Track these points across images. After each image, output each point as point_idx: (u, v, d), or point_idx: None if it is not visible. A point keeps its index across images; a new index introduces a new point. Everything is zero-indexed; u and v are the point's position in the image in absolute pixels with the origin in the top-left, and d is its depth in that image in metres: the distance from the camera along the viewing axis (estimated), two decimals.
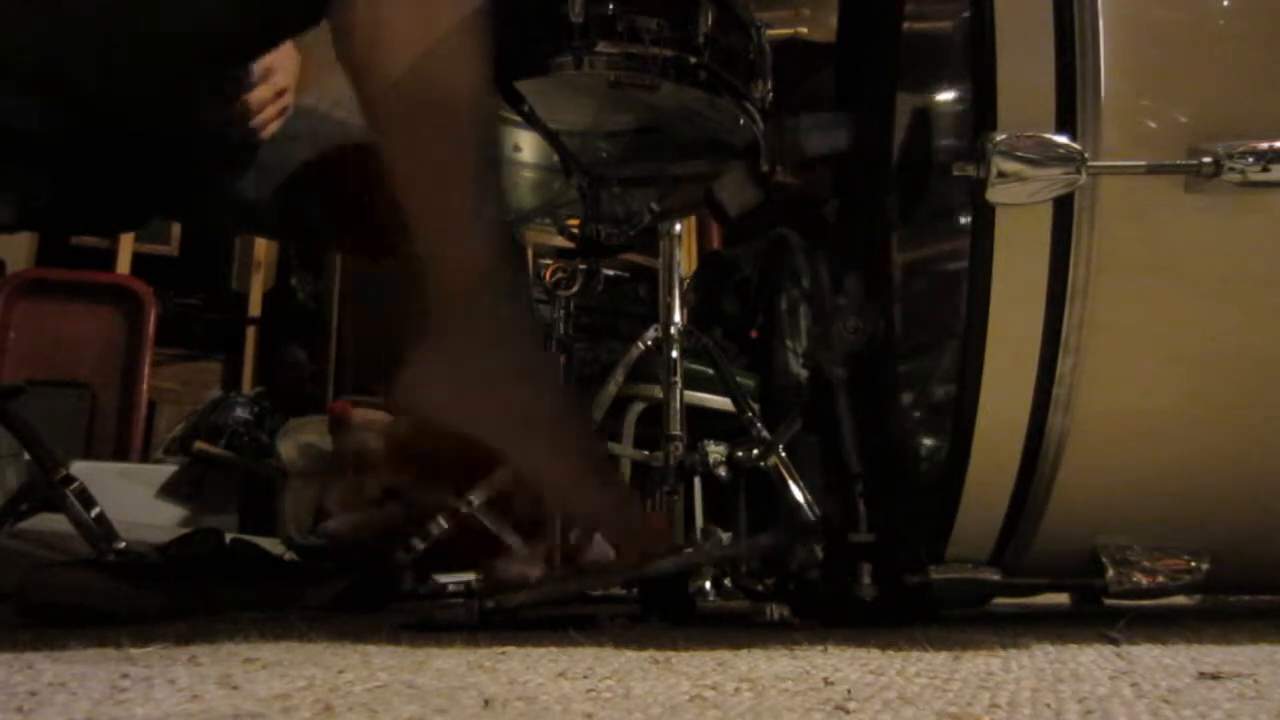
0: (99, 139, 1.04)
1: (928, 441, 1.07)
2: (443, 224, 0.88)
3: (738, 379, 1.71)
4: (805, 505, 1.27)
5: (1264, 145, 0.76)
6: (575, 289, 1.24)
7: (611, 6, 1.04)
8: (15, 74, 0.91)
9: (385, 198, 0.88)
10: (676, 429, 1.40)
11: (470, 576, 1.26)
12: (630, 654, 0.67)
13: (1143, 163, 0.77)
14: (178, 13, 0.91)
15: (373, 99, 0.88)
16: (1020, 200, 0.77)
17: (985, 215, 0.78)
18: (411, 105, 0.87)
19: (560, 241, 1.29)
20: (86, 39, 0.90)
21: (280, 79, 1.19)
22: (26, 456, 1.67)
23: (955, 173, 0.78)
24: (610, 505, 0.90)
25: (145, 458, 2.95)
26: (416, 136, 0.87)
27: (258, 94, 1.17)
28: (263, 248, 3.51)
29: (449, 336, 0.87)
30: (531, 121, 1.13)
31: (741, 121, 1.13)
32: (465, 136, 0.89)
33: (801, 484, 1.37)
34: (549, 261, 1.26)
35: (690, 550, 1.07)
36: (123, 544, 1.43)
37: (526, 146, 1.28)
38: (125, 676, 0.53)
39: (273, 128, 1.20)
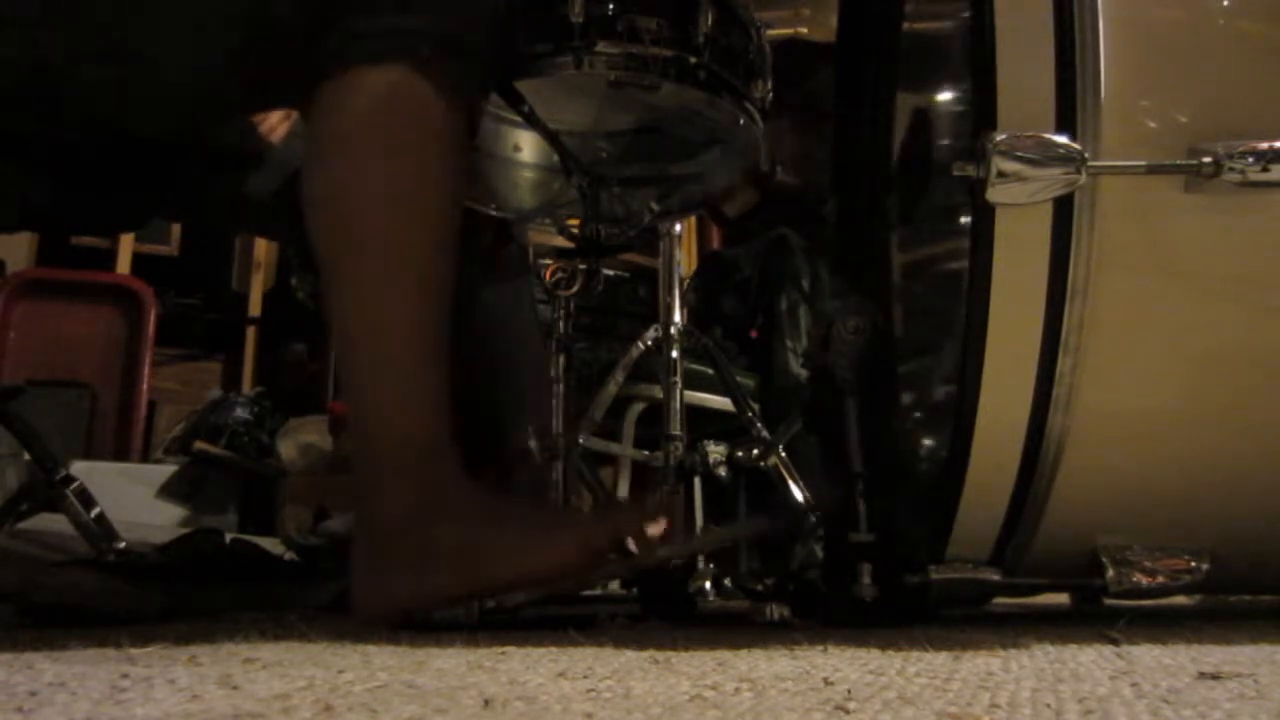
0: (100, 140, 1.04)
1: (928, 441, 1.07)
2: (376, 393, 0.84)
3: (738, 379, 1.71)
4: (805, 505, 1.27)
5: (1264, 145, 0.76)
6: (575, 289, 1.24)
7: (611, 6, 1.04)
8: (18, 74, 0.91)
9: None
10: (676, 429, 1.40)
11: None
12: (630, 654, 0.67)
13: (1143, 163, 0.77)
14: (182, 53, 0.90)
15: (325, 228, 0.84)
16: (1020, 200, 0.77)
17: (985, 215, 0.78)
18: (366, 245, 0.83)
19: (560, 241, 1.28)
20: (91, 42, 0.90)
21: None
22: (26, 456, 1.67)
23: (955, 173, 0.78)
24: (596, 547, 0.87)
25: (145, 458, 2.95)
26: (367, 285, 0.83)
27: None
28: (263, 248, 3.50)
29: (371, 514, 0.83)
30: (531, 121, 1.13)
31: (741, 121, 1.13)
32: (425, 295, 0.84)
33: (801, 484, 1.37)
34: (549, 261, 1.26)
35: (685, 541, 1.07)
36: (123, 544, 1.43)
37: (526, 146, 1.28)
38: (125, 676, 0.53)
39: (281, 131, 1.20)
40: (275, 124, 1.19)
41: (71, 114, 0.97)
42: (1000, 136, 0.76)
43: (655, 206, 1.30)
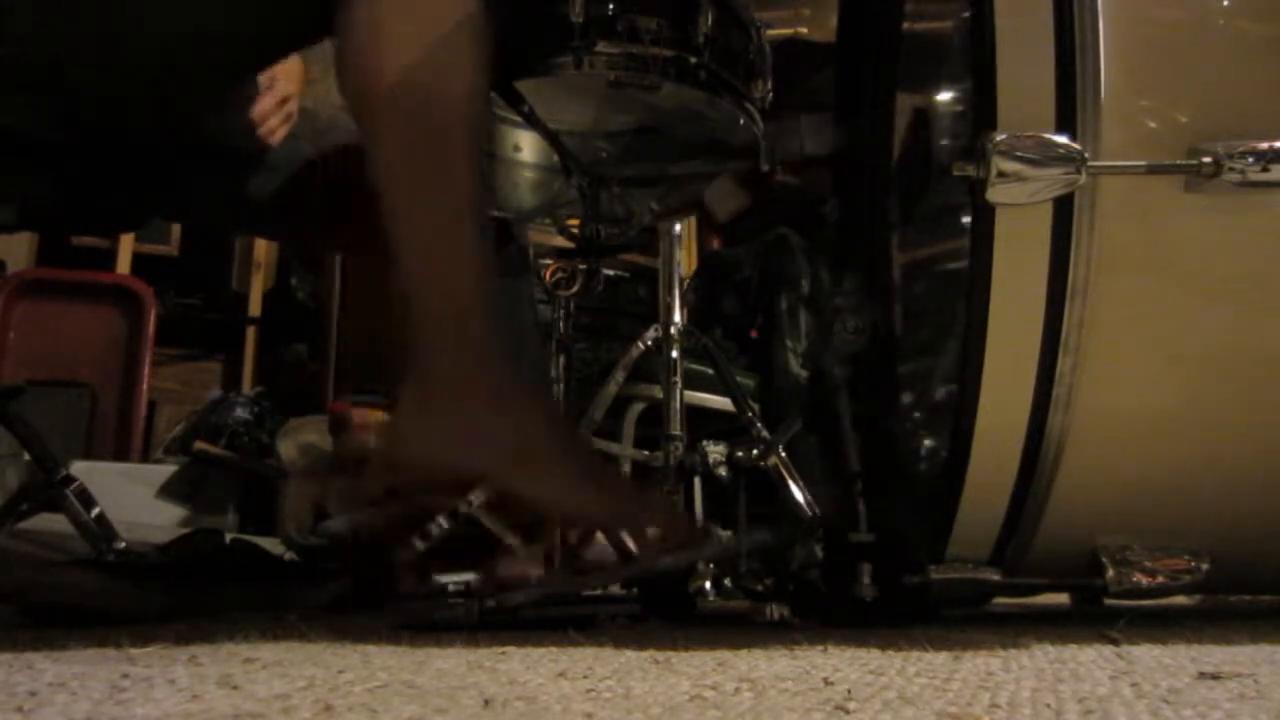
0: (100, 140, 1.04)
1: (928, 441, 1.07)
2: (431, 249, 0.87)
3: (738, 379, 1.71)
4: (805, 505, 1.27)
5: (1264, 145, 0.76)
6: (575, 289, 1.24)
7: (611, 6, 1.04)
8: (19, 74, 0.91)
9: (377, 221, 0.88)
10: (676, 429, 1.40)
11: (470, 576, 1.25)
12: (630, 654, 0.67)
13: (1143, 163, 0.77)
14: (182, 18, 0.91)
15: (368, 118, 0.87)
16: (1020, 200, 0.77)
17: (985, 215, 0.78)
18: (406, 127, 0.86)
19: (560, 241, 1.29)
20: (92, 42, 0.90)
21: (284, 86, 1.19)
22: (26, 456, 1.67)
23: (955, 173, 0.78)
24: (616, 509, 0.89)
25: (145, 458, 2.95)
26: (409, 160, 0.86)
27: (262, 104, 1.17)
28: (263, 248, 3.50)
29: (436, 370, 0.86)
30: (531, 121, 1.13)
31: (741, 121, 1.13)
32: (459, 162, 0.87)
33: (801, 484, 1.37)
34: (549, 261, 1.26)
35: (689, 550, 1.07)
36: (123, 544, 1.43)
37: (526, 146, 1.28)
38: (125, 676, 0.53)
39: (280, 133, 1.21)
40: (275, 126, 1.20)
41: (71, 110, 0.97)
42: (1000, 136, 0.76)
43: (655, 206, 1.30)
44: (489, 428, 0.85)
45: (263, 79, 1.16)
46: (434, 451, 0.86)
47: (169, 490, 2.59)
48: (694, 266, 2.66)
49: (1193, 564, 0.85)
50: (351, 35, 0.87)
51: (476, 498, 0.96)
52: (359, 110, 0.88)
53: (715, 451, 1.41)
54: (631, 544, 0.87)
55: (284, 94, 1.19)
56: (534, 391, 0.89)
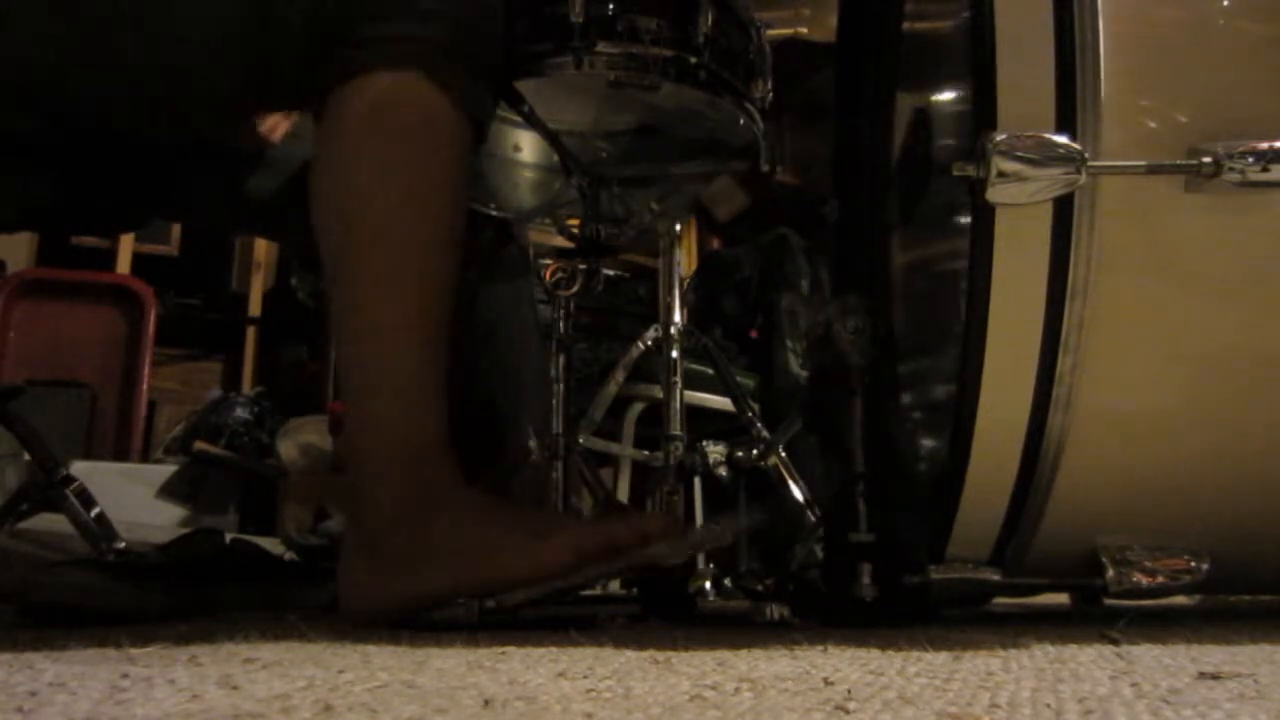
0: (100, 140, 1.04)
1: (928, 441, 1.07)
2: (375, 391, 0.84)
3: (738, 379, 1.71)
4: (805, 505, 1.27)
5: (1264, 145, 0.76)
6: (575, 289, 1.24)
7: (611, 6, 1.04)
8: (18, 74, 0.91)
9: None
10: (676, 429, 1.40)
11: None
12: (630, 654, 0.67)
13: (1143, 163, 0.77)
14: (177, 20, 0.90)
15: (329, 221, 0.86)
16: (1020, 200, 0.77)
17: (985, 215, 0.78)
18: (370, 245, 0.84)
19: (560, 241, 1.29)
20: (91, 43, 0.90)
21: None
22: (26, 456, 1.67)
23: (955, 173, 0.78)
24: (592, 549, 0.87)
25: (145, 458, 2.96)
26: (359, 285, 0.84)
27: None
28: (263, 248, 3.51)
29: (365, 515, 0.84)
30: (531, 121, 1.13)
31: (741, 121, 1.13)
32: (427, 298, 0.84)
33: (801, 484, 1.37)
34: (549, 261, 1.26)
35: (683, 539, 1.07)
36: (123, 544, 1.43)
37: (526, 146, 1.28)
38: (125, 676, 0.53)
39: (281, 130, 1.20)
40: (275, 124, 1.19)
41: (72, 113, 0.97)
42: (1000, 136, 0.76)
43: (655, 206, 1.30)
44: (421, 564, 0.82)
45: None
46: (377, 600, 0.84)
47: (169, 490, 2.60)
48: (694, 266, 2.66)
49: (1193, 564, 0.85)
50: (324, 149, 0.85)
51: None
52: (322, 206, 0.86)
53: (715, 451, 1.42)
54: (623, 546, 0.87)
55: None
56: (467, 495, 0.86)
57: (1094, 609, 1.26)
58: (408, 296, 0.84)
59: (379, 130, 0.84)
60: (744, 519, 1.18)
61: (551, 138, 1.17)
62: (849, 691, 0.52)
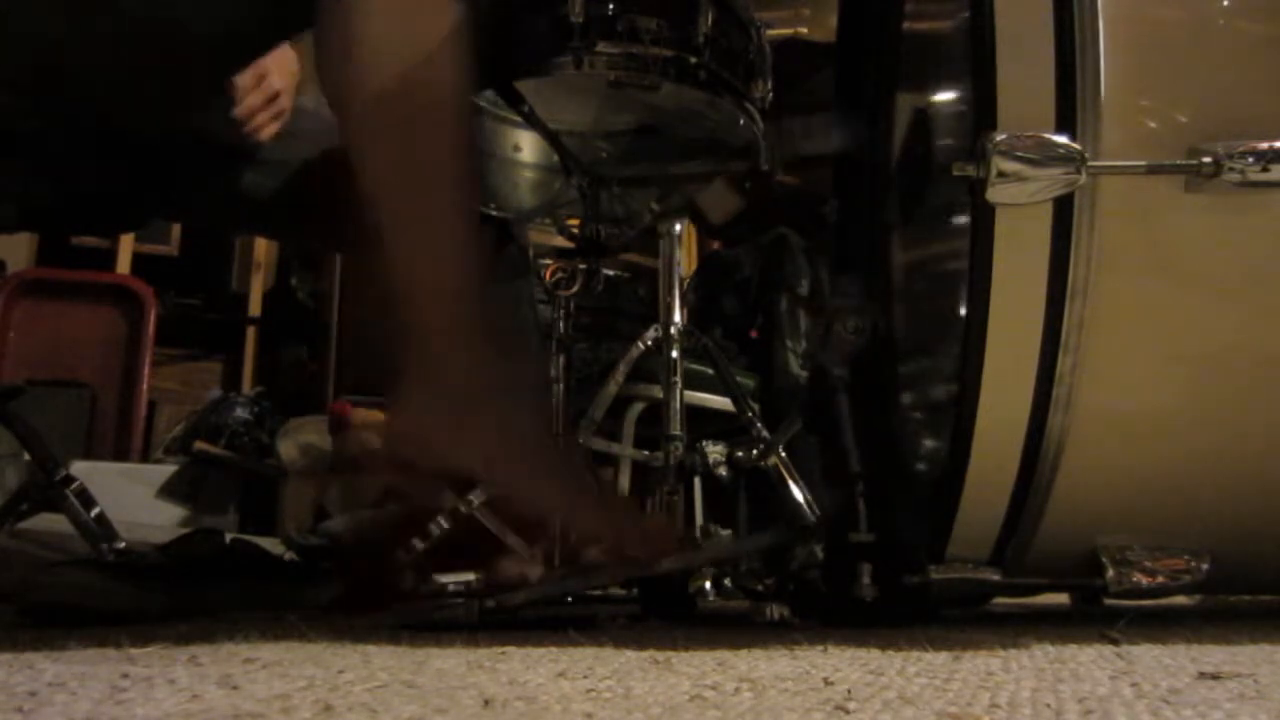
0: (99, 139, 1.04)
1: (928, 441, 1.07)
2: (420, 249, 0.86)
3: (738, 379, 1.71)
4: (805, 505, 1.27)
5: (1264, 145, 0.76)
6: (575, 289, 1.24)
7: (611, 6, 1.04)
8: (16, 73, 0.91)
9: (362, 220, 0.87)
10: (676, 429, 1.40)
11: (471, 576, 1.26)
12: (630, 654, 0.67)
13: (1143, 163, 0.77)
14: (171, 7, 0.91)
15: (349, 114, 0.87)
16: (1020, 200, 0.77)
17: (985, 215, 0.78)
18: (389, 122, 0.85)
19: (560, 241, 1.29)
20: (87, 36, 0.90)
21: (274, 82, 1.18)
22: (26, 456, 1.67)
23: (955, 173, 0.78)
24: (605, 519, 0.89)
25: (145, 458, 2.95)
26: (394, 155, 0.86)
27: (250, 101, 1.17)
28: (263, 248, 3.50)
29: (428, 370, 0.85)
30: (531, 121, 1.13)
31: (741, 121, 1.13)
32: (446, 156, 0.87)
33: (801, 484, 1.37)
34: (549, 261, 1.26)
35: (690, 553, 1.07)
36: (123, 544, 1.43)
37: (526, 146, 1.28)
38: (125, 676, 0.53)
39: (270, 130, 1.20)
40: (263, 123, 1.19)
41: (70, 110, 0.97)
42: (1000, 136, 0.76)
43: (655, 206, 1.30)
44: (481, 426, 0.84)
45: (250, 75, 1.15)
46: (429, 449, 0.86)
47: (169, 490, 2.60)
48: (694, 266, 2.66)
49: (1193, 564, 0.85)
50: (331, 27, 0.86)
51: (476, 497, 0.96)
52: (340, 103, 0.88)
53: (715, 451, 1.41)
54: (625, 547, 0.87)
55: (273, 90, 1.19)
56: (525, 391, 0.89)
57: (1094, 609, 1.26)
58: (440, 162, 0.86)
59: (381, 23, 0.85)
60: (761, 539, 1.18)
61: (551, 138, 1.17)
62: (849, 691, 0.52)
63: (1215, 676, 0.59)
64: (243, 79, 1.15)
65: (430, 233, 0.86)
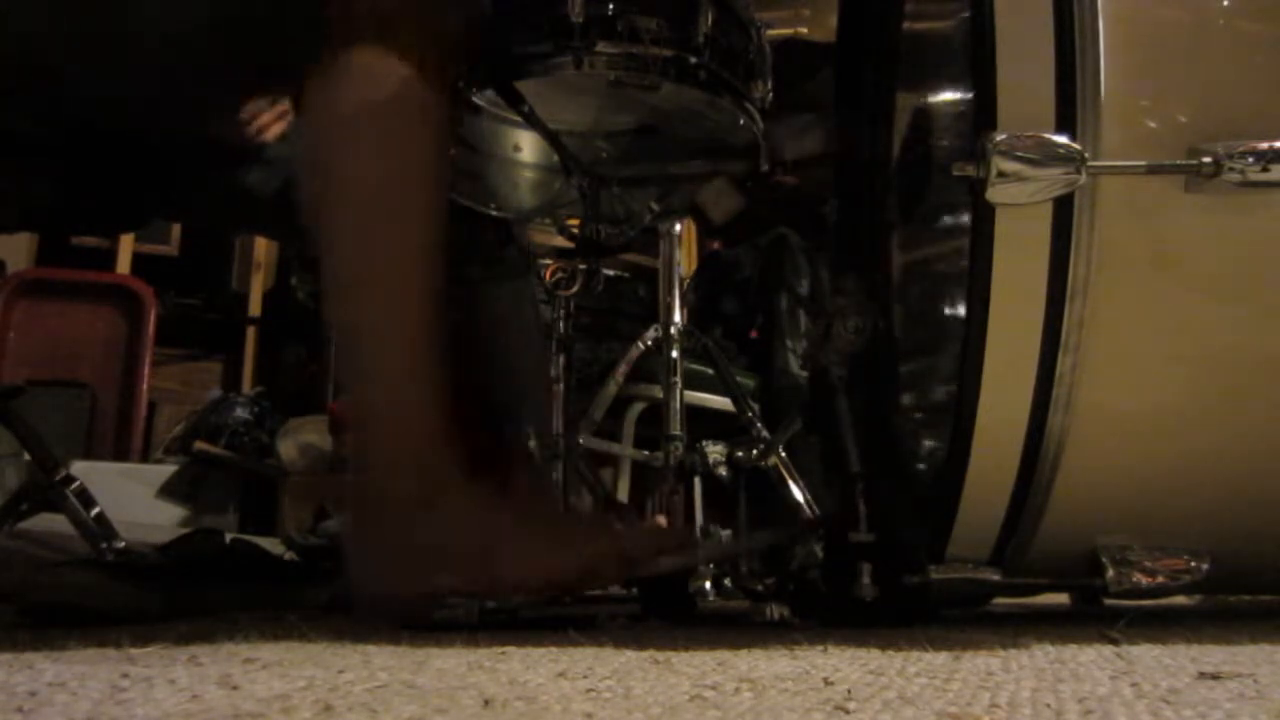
0: (99, 139, 1.04)
1: (928, 441, 1.07)
2: (379, 380, 0.83)
3: (738, 379, 1.71)
4: (805, 505, 1.27)
5: (1264, 145, 0.76)
6: (575, 289, 1.24)
7: (611, 6, 1.04)
8: (15, 73, 0.91)
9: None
10: (676, 429, 1.40)
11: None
12: (630, 654, 0.67)
13: (1143, 163, 0.77)
14: (175, 17, 0.91)
15: (319, 198, 0.85)
16: (1020, 200, 0.77)
17: (985, 215, 0.78)
18: (358, 216, 0.83)
19: (560, 241, 1.29)
20: (87, 37, 0.90)
21: None
22: (26, 456, 1.67)
23: (955, 173, 0.78)
24: (597, 560, 0.87)
25: (145, 458, 2.95)
26: (355, 241, 0.83)
27: (252, 106, 1.17)
28: (263, 248, 3.50)
29: (374, 493, 0.83)
30: (531, 121, 1.13)
31: (741, 121, 1.13)
32: (411, 250, 0.83)
33: (801, 484, 1.37)
34: (549, 261, 1.26)
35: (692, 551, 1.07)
36: (123, 544, 1.43)
37: (526, 146, 1.28)
38: (125, 676, 0.53)
39: (274, 130, 1.20)
40: (267, 123, 1.19)
41: (72, 113, 0.97)
42: (1000, 136, 0.76)
43: (655, 206, 1.30)
44: (436, 547, 0.81)
45: None
46: (390, 572, 0.83)
47: (169, 490, 2.60)
48: (694, 266, 2.66)
49: (1193, 564, 0.85)
50: (311, 100, 0.85)
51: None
52: (311, 182, 0.86)
53: (715, 451, 1.42)
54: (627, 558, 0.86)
55: None
56: (481, 482, 0.86)
57: (1094, 609, 1.26)
58: (400, 280, 0.84)
59: (356, 111, 0.84)
60: (757, 537, 1.18)
61: (551, 138, 1.17)
62: (849, 691, 0.52)
63: (1215, 676, 0.59)
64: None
65: (390, 364, 0.83)
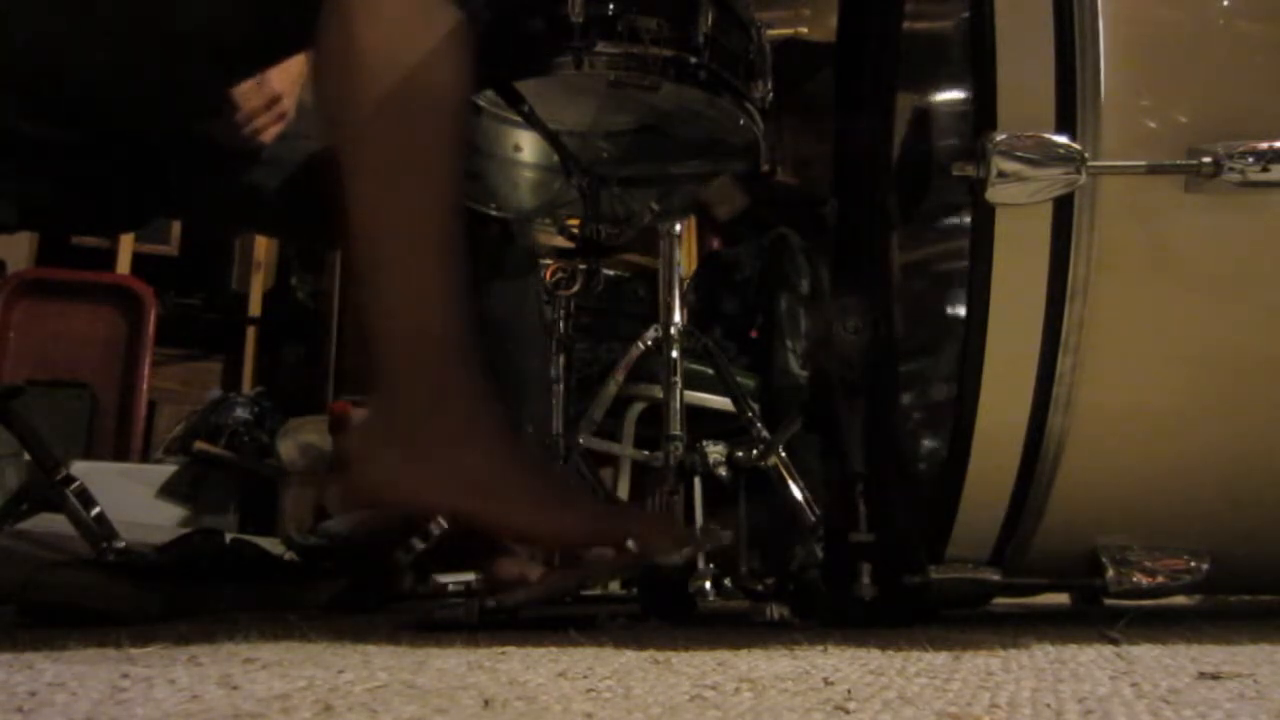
0: (99, 139, 1.04)
1: (928, 441, 1.07)
2: (401, 283, 0.85)
3: (738, 379, 1.71)
4: (805, 505, 1.27)
5: (1264, 145, 0.76)
6: (575, 289, 1.24)
7: (611, 6, 1.04)
8: (15, 73, 0.91)
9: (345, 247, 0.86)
10: (676, 429, 1.40)
11: (470, 576, 1.26)
12: (630, 654, 0.67)
13: (1143, 163, 0.77)
14: (183, 15, 0.91)
15: (344, 131, 0.86)
16: (1020, 200, 0.77)
17: (985, 215, 0.78)
18: (386, 139, 0.84)
19: (560, 241, 1.29)
20: (89, 39, 0.90)
21: (275, 85, 1.18)
22: (26, 456, 1.67)
23: (955, 173, 0.78)
24: (595, 529, 0.88)
25: (145, 458, 2.95)
26: (384, 184, 0.84)
27: (250, 105, 1.17)
28: (263, 248, 3.50)
29: (396, 399, 0.84)
30: (531, 121, 1.13)
31: (741, 121, 1.13)
32: (442, 177, 0.85)
33: (801, 484, 1.37)
34: (549, 261, 1.27)
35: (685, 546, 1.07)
36: (123, 544, 1.43)
37: (526, 146, 1.29)
38: (125, 676, 0.53)
39: (272, 132, 1.20)
40: (264, 124, 1.19)
41: (69, 110, 0.97)
42: (1000, 136, 0.76)
43: (655, 206, 1.30)
44: (448, 462, 0.82)
45: (250, 79, 1.15)
46: (391, 484, 0.84)
47: (169, 490, 2.60)
48: (694, 266, 2.66)
49: (1193, 564, 0.85)
50: (331, 41, 0.85)
51: (436, 527, 0.94)
52: (336, 118, 0.86)
53: (715, 451, 1.42)
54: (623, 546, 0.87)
55: (273, 94, 1.19)
56: (497, 422, 0.86)
57: (1094, 609, 1.26)
58: (422, 190, 0.85)
59: (377, 42, 0.84)
60: (744, 520, 1.18)
61: (551, 138, 1.17)
62: (849, 691, 0.52)
63: (1215, 676, 0.59)
64: (243, 84, 1.15)
65: (412, 260, 0.84)
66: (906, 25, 1.14)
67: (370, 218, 0.85)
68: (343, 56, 0.85)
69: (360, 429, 0.87)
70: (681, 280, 1.61)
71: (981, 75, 0.80)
